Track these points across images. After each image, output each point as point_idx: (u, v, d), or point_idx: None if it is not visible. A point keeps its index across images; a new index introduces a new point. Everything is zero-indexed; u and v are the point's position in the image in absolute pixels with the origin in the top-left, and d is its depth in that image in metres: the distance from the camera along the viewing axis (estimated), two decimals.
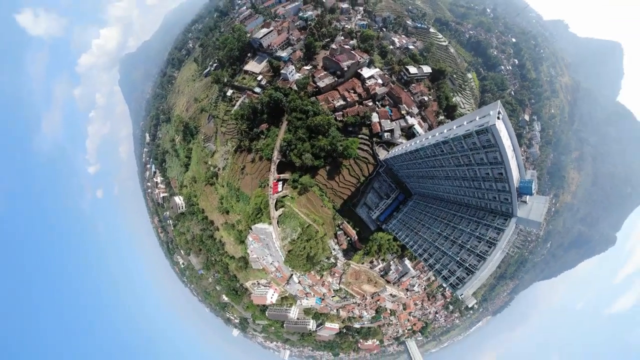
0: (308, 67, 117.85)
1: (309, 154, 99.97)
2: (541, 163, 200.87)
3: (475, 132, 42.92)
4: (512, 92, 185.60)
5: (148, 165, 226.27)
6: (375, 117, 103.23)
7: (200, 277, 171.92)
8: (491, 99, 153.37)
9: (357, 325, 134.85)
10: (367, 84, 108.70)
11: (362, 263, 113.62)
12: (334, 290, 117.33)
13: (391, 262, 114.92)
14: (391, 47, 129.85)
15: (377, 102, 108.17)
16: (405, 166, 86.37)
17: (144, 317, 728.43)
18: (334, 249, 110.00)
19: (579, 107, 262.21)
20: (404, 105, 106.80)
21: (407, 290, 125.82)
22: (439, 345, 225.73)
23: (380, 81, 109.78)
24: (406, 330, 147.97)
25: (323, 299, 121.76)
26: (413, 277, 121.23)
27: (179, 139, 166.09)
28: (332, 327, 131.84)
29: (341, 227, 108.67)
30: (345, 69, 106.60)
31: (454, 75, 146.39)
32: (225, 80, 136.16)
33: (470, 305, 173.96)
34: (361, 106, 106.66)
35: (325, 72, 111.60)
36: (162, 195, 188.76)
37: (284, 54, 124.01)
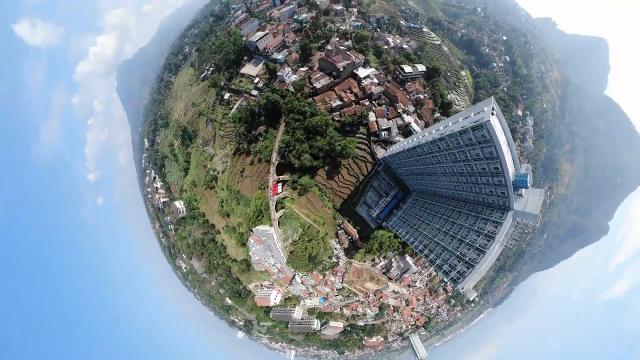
0: (304, 69, 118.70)
1: (308, 154, 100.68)
2: (535, 157, 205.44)
3: (470, 128, 43.91)
4: (505, 89, 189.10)
5: (147, 171, 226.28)
6: (372, 116, 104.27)
7: (203, 280, 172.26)
8: (485, 96, 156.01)
9: (361, 323, 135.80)
10: (363, 84, 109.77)
11: (364, 261, 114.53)
12: (337, 289, 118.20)
13: (392, 259, 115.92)
14: (386, 47, 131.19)
15: (373, 102, 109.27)
16: (404, 164, 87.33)
17: (149, 322, 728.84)
18: (335, 248, 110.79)
19: (569, 102, 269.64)
20: (400, 103, 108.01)
21: (409, 286, 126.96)
22: (442, 339, 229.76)
23: (376, 80, 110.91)
24: (409, 326, 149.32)
25: (326, 299, 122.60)
26: (415, 273, 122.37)
27: (178, 143, 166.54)
28: (336, 326, 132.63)
29: (342, 226, 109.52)
30: (341, 69, 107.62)
31: (448, 73, 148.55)
32: (222, 83, 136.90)
33: (471, 299, 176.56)
34: (358, 106, 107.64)
35: (321, 73, 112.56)
36: (162, 200, 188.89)
37: (279, 56, 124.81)
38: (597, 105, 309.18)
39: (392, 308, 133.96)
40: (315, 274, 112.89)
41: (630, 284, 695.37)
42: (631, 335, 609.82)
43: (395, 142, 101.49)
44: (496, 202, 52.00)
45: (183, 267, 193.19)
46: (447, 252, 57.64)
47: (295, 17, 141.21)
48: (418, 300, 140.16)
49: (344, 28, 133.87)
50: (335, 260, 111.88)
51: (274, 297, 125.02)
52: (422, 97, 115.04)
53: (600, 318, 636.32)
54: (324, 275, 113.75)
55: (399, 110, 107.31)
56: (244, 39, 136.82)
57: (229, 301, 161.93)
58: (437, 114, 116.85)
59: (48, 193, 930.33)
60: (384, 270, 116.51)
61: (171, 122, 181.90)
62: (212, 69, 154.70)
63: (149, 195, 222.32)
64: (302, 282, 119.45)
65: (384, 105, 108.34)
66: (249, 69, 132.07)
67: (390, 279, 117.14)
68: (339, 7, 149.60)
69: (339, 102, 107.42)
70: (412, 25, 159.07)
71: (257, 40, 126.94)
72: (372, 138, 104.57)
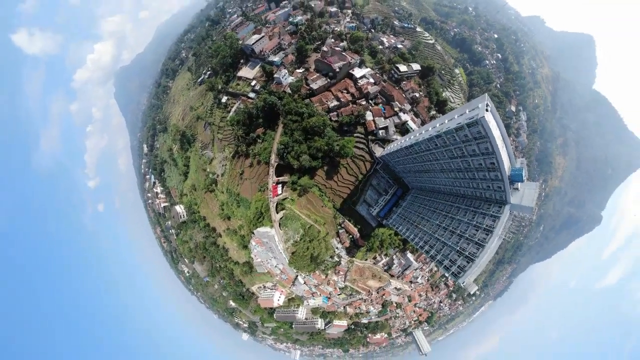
0: (300, 70, 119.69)
1: (307, 155, 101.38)
2: (529, 151, 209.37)
3: (466, 124, 44.76)
4: (498, 85, 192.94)
5: (147, 176, 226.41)
6: (369, 116, 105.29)
7: (206, 284, 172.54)
8: (479, 93, 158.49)
9: (364, 321, 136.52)
10: (359, 84, 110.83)
11: (366, 259, 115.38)
12: (339, 288, 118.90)
13: (394, 257, 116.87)
14: (380, 47, 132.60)
15: (370, 101, 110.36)
16: (402, 161, 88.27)
17: (154, 327, 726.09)
18: (336, 248, 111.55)
19: (559, 96, 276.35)
20: (397, 102, 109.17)
21: (411, 282, 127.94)
22: (445, 333, 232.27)
23: (372, 80, 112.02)
24: (412, 322, 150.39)
25: (329, 298, 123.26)
26: (416, 269, 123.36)
27: (177, 148, 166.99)
28: (340, 325, 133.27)
29: (342, 225, 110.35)
30: (337, 70, 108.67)
31: (442, 72, 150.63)
32: (220, 87, 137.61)
33: (472, 292, 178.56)
34: (355, 105, 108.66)
35: (317, 74, 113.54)
36: (162, 205, 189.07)
37: (276, 58, 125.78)
38: (587, 99, 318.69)
39: (395, 305, 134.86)
40: (317, 274, 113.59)
41: (623, 272, 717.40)
42: (626, 321, 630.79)
43: (392, 141, 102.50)
44: (493, 197, 52.98)
45: (185, 271, 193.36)
46: (447, 248, 58.49)
47: (290, 19, 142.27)
48: (420, 295, 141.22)
49: (338, 29, 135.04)
50: (337, 260, 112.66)
51: (278, 298, 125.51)
52: (417, 95, 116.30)
53: (597, 306, 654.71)
54: (326, 274, 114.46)
55: (396, 109, 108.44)
56: (240, 42, 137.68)
57: (232, 304, 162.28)
58: (433, 112, 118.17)
59: (49, 201, 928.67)
60: (385, 268, 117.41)
61: (169, 126, 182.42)
62: (209, 72, 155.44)
63: (150, 201, 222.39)
64: (304, 283, 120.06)
65: (380, 105, 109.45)
66: (246, 72, 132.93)
67: (392, 276, 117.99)
68: (333, 9, 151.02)
69: (336, 103, 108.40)
70: (406, 25, 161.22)
71: (253, 44, 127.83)
72: (369, 137, 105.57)
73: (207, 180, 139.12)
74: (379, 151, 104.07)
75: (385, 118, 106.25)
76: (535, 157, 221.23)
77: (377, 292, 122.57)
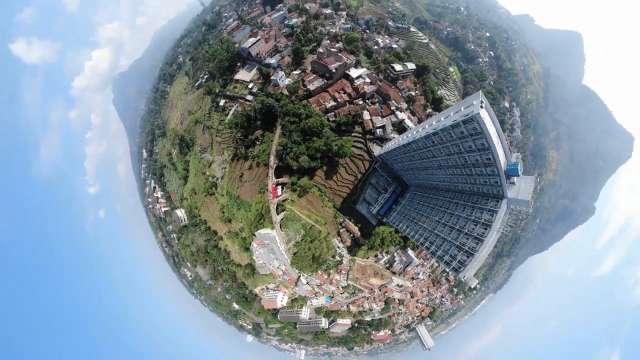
0: (297, 72, 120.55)
1: (305, 156, 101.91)
2: (524, 145, 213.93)
3: (461, 121, 45.54)
4: (492, 82, 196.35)
5: (147, 181, 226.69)
6: (366, 115, 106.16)
7: (209, 287, 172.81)
8: (473, 90, 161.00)
9: (368, 318, 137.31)
10: (355, 84, 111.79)
11: (367, 257, 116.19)
12: (342, 287, 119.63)
13: (395, 254, 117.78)
14: (376, 47, 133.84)
15: (367, 101, 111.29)
16: (400, 159, 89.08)
17: (159, 333, 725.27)
18: (338, 247, 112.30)
19: (551, 92, 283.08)
20: (393, 101, 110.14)
21: (412, 279, 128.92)
22: (448, 327, 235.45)
23: (368, 80, 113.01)
24: (415, 317, 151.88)
25: (332, 297, 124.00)
26: (417, 265, 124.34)
27: (176, 152, 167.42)
28: (344, 323, 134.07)
29: (343, 224, 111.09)
30: (334, 70, 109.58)
31: (437, 70, 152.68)
32: (217, 90, 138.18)
33: (473, 286, 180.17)
34: (352, 105, 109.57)
35: (314, 75, 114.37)
36: (163, 209, 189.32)
37: (272, 60, 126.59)
38: (577, 94, 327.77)
39: (398, 301, 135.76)
40: (320, 274, 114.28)
41: (617, 260, 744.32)
42: (620, 309, 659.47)
43: (390, 139, 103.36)
44: (490, 191, 53.90)
45: (188, 275, 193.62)
46: (447, 243, 59.20)
47: (286, 22, 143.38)
48: (422, 291, 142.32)
49: (334, 31, 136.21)
50: (339, 259, 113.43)
51: (281, 299, 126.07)
52: (413, 94, 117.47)
53: (592, 294, 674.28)
54: (328, 274, 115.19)
55: (392, 108, 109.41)
56: (237, 45, 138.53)
57: (236, 306, 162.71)
58: (429, 110, 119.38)
59: (50, 208, 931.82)
60: (387, 265, 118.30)
61: (168, 131, 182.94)
62: (206, 76, 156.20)
63: (150, 206, 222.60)
64: (307, 283, 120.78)
65: (377, 104, 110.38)
66: (243, 74, 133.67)
67: (393, 273, 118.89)
68: (328, 11, 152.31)
69: (333, 103, 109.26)
70: (400, 25, 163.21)
71: (249, 47, 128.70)
72: (367, 136, 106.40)
73: (207, 183, 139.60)
74: (377, 150, 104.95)
75: (382, 117, 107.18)
76: (529, 152, 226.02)
77: (380, 290, 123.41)
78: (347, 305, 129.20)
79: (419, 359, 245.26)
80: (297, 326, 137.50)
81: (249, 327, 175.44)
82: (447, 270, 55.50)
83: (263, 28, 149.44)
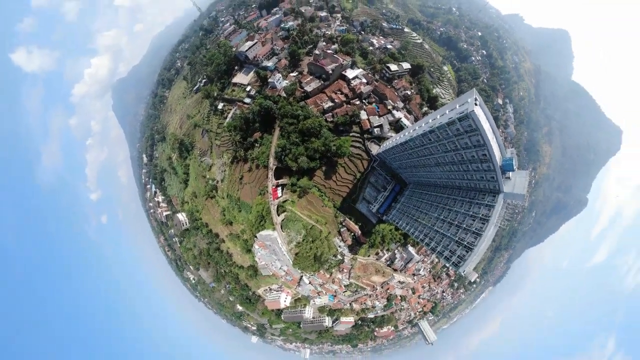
0: (294, 74, 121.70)
1: (304, 156, 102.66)
2: (518, 141, 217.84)
3: (457, 119, 46.82)
4: (485, 80, 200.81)
5: (148, 186, 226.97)
6: (363, 115, 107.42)
7: (212, 290, 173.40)
8: (467, 88, 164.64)
9: (371, 316, 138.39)
10: (352, 84, 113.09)
11: (368, 255, 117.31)
12: (344, 286, 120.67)
13: (396, 251, 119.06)
14: (371, 48, 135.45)
15: (363, 100, 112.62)
16: (398, 158, 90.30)
17: (165, 339, 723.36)
18: (339, 246, 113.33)
19: (542, 88, 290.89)
20: (390, 100, 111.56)
21: (413, 275, 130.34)
22: (450, 321, 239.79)
23: (364, 80, 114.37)
24: (417, 313, 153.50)
25: (335, 296, 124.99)
26: (418, 262, 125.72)
27: (176, 156, 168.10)
28: (347, 321, 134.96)
29: (344, 224, 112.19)
30: (330, 72, 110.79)
31: (432, 69, 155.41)
32: (215, 94, 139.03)
33: (472, 280, 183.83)
34: (349, 105, 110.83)
35: (311, 77, 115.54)
36: (164, 213, 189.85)
37: (269, 63, 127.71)
38: (566, 90, 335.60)
39: (400, 298, 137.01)
40: (322, 273, 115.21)
41: (609, 249, 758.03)
42: (613, 299, 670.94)
43: (387, 138, 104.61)
44: (487, 187, 55.15)
45: (191, 278, 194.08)
46: (447, 239, 60.22)
47: (282, 25, 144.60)
48: (423, 287, 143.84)
49: (329, 33, 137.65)
50: (340, 258, 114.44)
51: (284, 300, 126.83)
52: (409, 93, 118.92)
53: (588, 284, 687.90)
54: (330, 273, 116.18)
55: (389, 107, 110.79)
56: (234, 49, 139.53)
57: (239, 308, 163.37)
58: (425, 108, 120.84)
59: (52, 215, 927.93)
60: (388, 262, 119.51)
61: (168, 135, 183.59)
62: (204, 80, 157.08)
63: (151, 210, 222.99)
64: (310, 282, 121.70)
65: (374, 103, 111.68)
66: (241, 78, 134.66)
67: (395, 270, 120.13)
68: (323, 13, 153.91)
69: (330, 104, 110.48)
70: (394, 26, 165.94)
71: (246, 50, 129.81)
72: (365, 135, 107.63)
73: (207, 186, 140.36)
74: (375, 149, 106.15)
75: (380, 116, 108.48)
76: (523, 147, 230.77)
77: (382, 287, 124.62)
78: (350, 303, 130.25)
79: (422, 354, 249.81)
80: (301, 325, 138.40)
81: (254, 328, 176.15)
82: (447, 265, 56.51)
83: (259, 32, 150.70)
